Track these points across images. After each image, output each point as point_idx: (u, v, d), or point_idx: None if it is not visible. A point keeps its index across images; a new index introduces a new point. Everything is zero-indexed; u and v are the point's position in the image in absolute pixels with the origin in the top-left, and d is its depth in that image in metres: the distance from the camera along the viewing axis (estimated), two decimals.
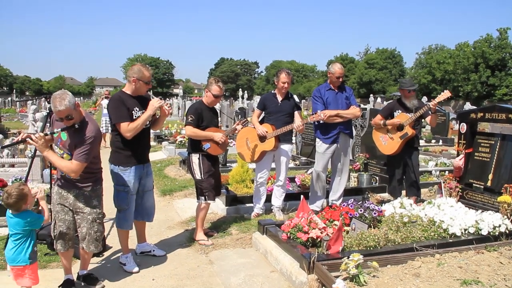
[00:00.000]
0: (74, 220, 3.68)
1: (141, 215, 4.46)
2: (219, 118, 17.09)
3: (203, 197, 4.96)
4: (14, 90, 66.03)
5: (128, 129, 4.01)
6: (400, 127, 5.65)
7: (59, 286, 3.72)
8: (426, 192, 7.20)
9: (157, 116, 4.48)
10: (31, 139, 3.39)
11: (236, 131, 5.30)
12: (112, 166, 4.18)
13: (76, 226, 3.71)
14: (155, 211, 4.62)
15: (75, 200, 3.63)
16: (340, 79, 5.60)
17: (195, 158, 4.95)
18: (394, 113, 5.85)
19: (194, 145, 4.96)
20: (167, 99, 44.84)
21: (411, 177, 5.78)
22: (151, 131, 4.64)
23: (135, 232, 4.60)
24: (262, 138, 5.48)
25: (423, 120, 6.09)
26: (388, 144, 5.83)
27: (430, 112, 5.49)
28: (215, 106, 5.25)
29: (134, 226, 4.47)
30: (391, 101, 6.62)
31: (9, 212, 3.28)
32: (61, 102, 3.36)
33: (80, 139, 3.48)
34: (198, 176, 4.94)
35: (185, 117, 4.87)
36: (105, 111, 12.16)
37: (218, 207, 6.13)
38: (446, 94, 5.43)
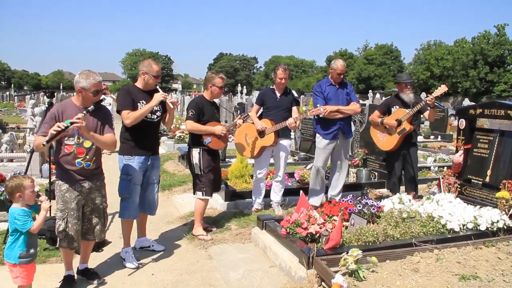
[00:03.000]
0: (82, 215, 3.69)
1: (142, 208, 4.47)
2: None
3: (200, 193, 4.96)
4: (12, 85, 65.87)
5: (127, 116, 4.12)
6: (398, 123, 5.65)
7: (60, 282, 3.72)
8: (424, 188, 7.22)
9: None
10: (75, 122, 3.28)
11: (237, 126, 5.30)
12: (119, 157, 4.29)
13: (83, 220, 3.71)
14: (157, 206, 4.63)
15: (89, 193, 3.65)
16: (342, 76, 5.60)
17: (195, 152, 4.95)
18: (392, 108, 5.86)
19: (195, 139, 4.96)
20: (166, 93, 44.71)
21: (410, 173, 5.80)
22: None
23: (136, 225, 4.62)
24: (261, 134, 5.47)
25: (421, 115, 6.09)
26: (386, 140, 5.84)
27: (428, 107, 5.49)
28: (215, 101, 5.25)
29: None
30: (389, 97, 6.63)
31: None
32: (96, 73, 3.59)
33: (105, 114, 3.72)
34: (197, 171, 4.95)
35: (185, 112, 4.89)
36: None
37: (217, 202, 6.14)
38: (443, 88, 5.44)
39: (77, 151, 3.55)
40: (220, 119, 5.27)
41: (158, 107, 4.32)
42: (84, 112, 3.44)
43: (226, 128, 5.01)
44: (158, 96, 4.21)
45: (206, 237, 4.92)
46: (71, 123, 3.29)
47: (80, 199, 3.61)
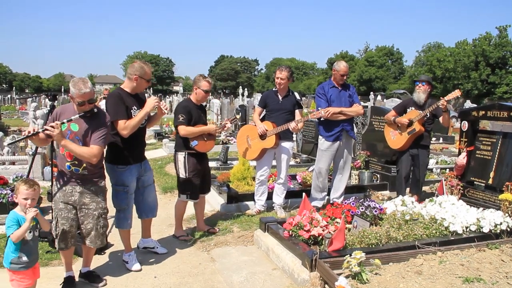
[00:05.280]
0: (77, 218, 3.66)
1: (144, 212, 4.45)
2: (219, 116, 17.08)
3: (184, 196, 4.98)
4: (14, 88, 65.95)
5: (125, 126, 3.96)
6: (409, 123, 5.66)
7: (61, 284, 3.72)
8: (427, 189, 7.19)
9: (152, 114, 4.47)
10: (47, 129, 3.31)
11: (225, 129, 5.28)
12: (110, 165, 4.12)
13: (78, 224, 3.69)
14: (158, 206, 4.61)
15: (81, 197, 3.62)
16: (345, 77, 5.62)
17: (181, 156, 4.91)
18: (408, 109, 5.88)
19: (181, 143, 4.91)
20: (167, 96, 44.84)
21: (416, 175, 5.80)
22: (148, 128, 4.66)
23: (140, 227, 4.62)
24: (263, 136, 5.48)
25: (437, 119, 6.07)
26: (396, 138, 5.86)
27: (441, 111, 5.48)
28: (202, 104, 5.19)
29: (140, 222, 4.50)
30: (407, 98, 6.68)
31: None
32: (86, 84, 3.46)
33: (99, 123, 3.58)
34: (182, 175, 4.93)
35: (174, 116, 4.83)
36: None
37: (219, 205, 6.13)
38: (456, 93, 5.44)
39: (66, 154, 3.55)
40: (206, 122, 5.20)
41: None
42: (64, 120, 3.44)
43: (218, 127, 4.99)
44: (152, 102, 4.11)
45: (187, 238, 4.99)
46: (43, 130, 3.34)
47: (68, 201, 3.59)
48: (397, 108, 6.10)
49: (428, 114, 5.56)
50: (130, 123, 3.98)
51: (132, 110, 4.06)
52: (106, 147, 4.08)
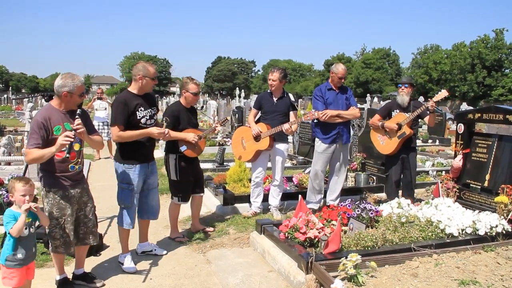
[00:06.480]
0: (76, 220, 3.67)
1: (146, 214, 4.47)
2: (216, 117, 17.07)
3: (176, 198, 5.00)
4: (10, 88, 65.73)
5: (118, 135, 4.06)
6: (398, 127, 5.65)
7: (59, 286, 3.70)
8: (423, 192, 7.21)
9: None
10: (78, 128, 3.39)
11: (215, 132, 5.28)
12: (117, 164, 4.20)
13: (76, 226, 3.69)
14: (160, 210, 4.62)
15: (81, 197, 3.65)
16: (343, 80, 5.62)
17: (172, 158, 4.91)
18: (392, 112, 5.85)
19: (171, 146, 4.90)
20: (164, 97, 44.81)
21: (407, 178, 5.80)
22: None
23: (138, 231, 4.60)
24: (257, 138, 5.47)
25: (420, 120, 6.09)
26: (386, 143, 5.84)
27: (428, 112, 5.49)
28: (193, 106, 5.16)
29: (137, 224, 4.49)
30: (390, 100, 6.63)
31: None
32: (79, 75, 3.55)
33: (87, 115, 3.73)
34: (173, 177, 4.93)
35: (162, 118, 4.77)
36: (97, 113, 10.99)
37: (215, 206, 6.12)
38: (443, 93, 5.44)
39: (70, 155, 3.48)
40: (198, 124, 5.17)
41: (154, 110, 4.28)
42: (76, 116, 3.45)
43: (203, 134, 4.93)
44: (155, 134, 4.17)
45: (183, 239, 5.00)
46: (75, 130, 3.37)
47: (74, 205, 3.60)
48: (381, 111, 6.09)
49: (415, 116, 5.56)
50: (125, 134, 4.06)
51: (138, 111, 4.12)
52: (116, 145, 4.26)
